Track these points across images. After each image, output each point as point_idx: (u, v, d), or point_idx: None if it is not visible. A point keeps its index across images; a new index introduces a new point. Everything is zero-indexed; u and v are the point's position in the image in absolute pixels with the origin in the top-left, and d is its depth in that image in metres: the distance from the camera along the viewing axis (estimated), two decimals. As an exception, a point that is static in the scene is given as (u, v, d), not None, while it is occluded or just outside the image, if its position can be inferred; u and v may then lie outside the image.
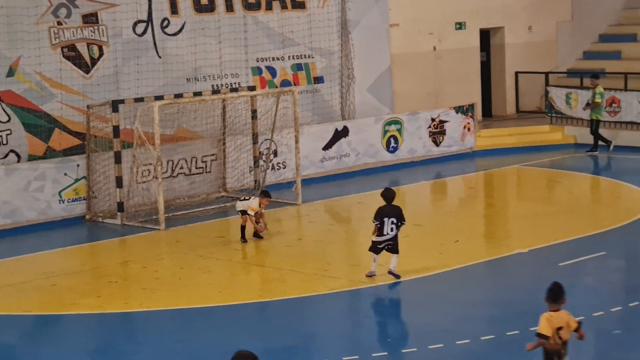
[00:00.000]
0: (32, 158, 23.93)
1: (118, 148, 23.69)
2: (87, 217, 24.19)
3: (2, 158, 23.57)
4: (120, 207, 23.75)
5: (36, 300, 17.52)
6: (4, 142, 23.62)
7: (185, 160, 25.87)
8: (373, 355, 13.94)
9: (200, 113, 26.04)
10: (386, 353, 14.03)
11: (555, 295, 11.23)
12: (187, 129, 26.13)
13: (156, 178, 23.41)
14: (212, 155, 26.41)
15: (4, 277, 19.46)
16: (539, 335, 11.00)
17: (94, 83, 24.85)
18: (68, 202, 24.03)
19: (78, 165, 24.20)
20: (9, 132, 23.66)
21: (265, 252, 20.87)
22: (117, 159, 23.76)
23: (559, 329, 10.95)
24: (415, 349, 14.18)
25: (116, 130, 23.63)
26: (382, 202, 17.65)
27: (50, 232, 23.16)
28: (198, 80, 26.82)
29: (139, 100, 24.00)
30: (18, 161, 23.73)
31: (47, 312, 16.77)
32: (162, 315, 16.56)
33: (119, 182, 23.82)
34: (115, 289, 18.20)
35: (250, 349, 14.28)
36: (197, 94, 24.95)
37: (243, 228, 20.99)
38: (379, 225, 17.40)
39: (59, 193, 23.91)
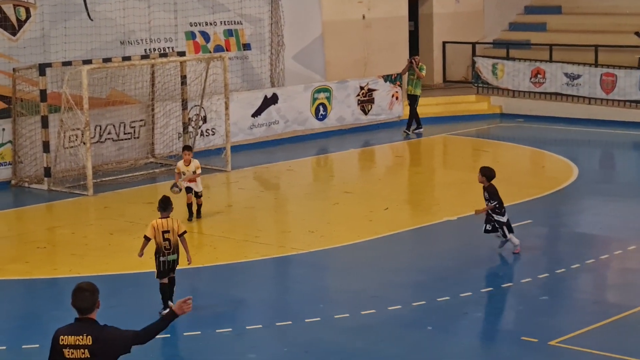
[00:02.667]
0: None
1: (45, 112, 23.38)
2: (13, 182, 23.88)
3: None
4: (47, 172, 23.48)
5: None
6: None
7: (114, 126, 25.64)
8: (306, 321, 14.01)
9: (130, 78, 25.78)
10: (319, 318, 14.08)
11: (165, 205, 14.20)
12: (121, 92, 25.84)
13: (84, 143, 23.17)
14: (141, 120, 26.20)
15: None
16: (144, 237, 14.28)
17: (20, 46, 24.43)
18: (-2, 165, 23.70)
19: (3, 130, 23.84)
20: None
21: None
22: (44, 123, 23.46)
23: (166, 232, 14.07)
24: (348, 315, 14.27)
25: (43, 94, 23.30)
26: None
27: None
28: (132, 44, 26.52)
29: (67, 64, 23.67)
30: None
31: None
32: (91, 281, 16.38)
33: (46, 147, 23.53)
34: (44, 254, 18.02)
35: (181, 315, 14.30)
36: (126, 58, 24.69)
37: (189, 206, 20.03)
38: (497, 205, 17.06)
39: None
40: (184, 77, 26.01)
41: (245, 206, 21.62)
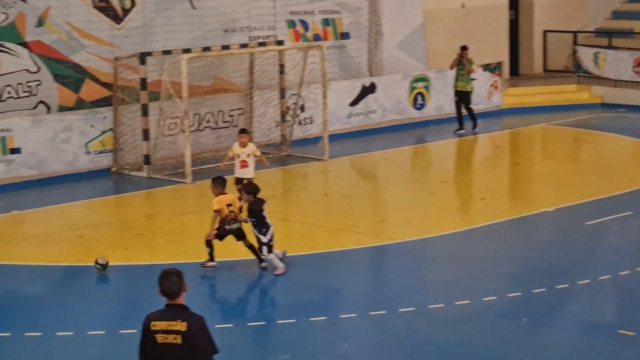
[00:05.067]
0: (62, 109, 23.98)
1: (145, 100, 23.71)
2: (114, 169, 24.27)
3: (32, 109, 23.64)
4: (147, 160, 23.82)
5: (63, 251, 17.61)
6: (34, 92, 23.67)
7: (212, 114, 25.88)
8: (400, 310, 13.98)
9: (229, 66, 26.00)
10: (413, 308, 14.05)
11: (224, 182, 16.16)
12: (226, 80, 26.07)
13: (183, 131, 23.45)
14: (240, 109, 26.41)
15: (31, 228, 19.61)
16: (215, 211, 15.86)
17: (123, 34, 24.80)
18: (95, 154, 24.11)
19: (105, 117, 24.25)
20: (38, 82, 23.70)
21: (292, 207, 20.90)
22: (144, 111, 23.80)
23: (229, 205, 15.99)
24: (442, 305, 14.21)
25: (143, 82, 23.63)
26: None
27: (76, 184, 23.23)
28: (235, 31, 26.71)
29: (167, 52, 23.97)
30: (48, 112, 23.79)
31: (75, 263, 16.85)
32: (188, 268, 16.57)
33: (145, 134, 23.87)
34: (142, 241, 18.30)
35: (276, 303, 14.40)
36: (225, 47, 24.89)
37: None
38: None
39: (86, 145, 23.98)
40: (282, 66, 26.13)
41: (342, 195, 21.64)
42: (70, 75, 24.07)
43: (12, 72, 23.30)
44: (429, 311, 14.02)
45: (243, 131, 21.06)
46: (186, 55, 23.16)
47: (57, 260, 16.90)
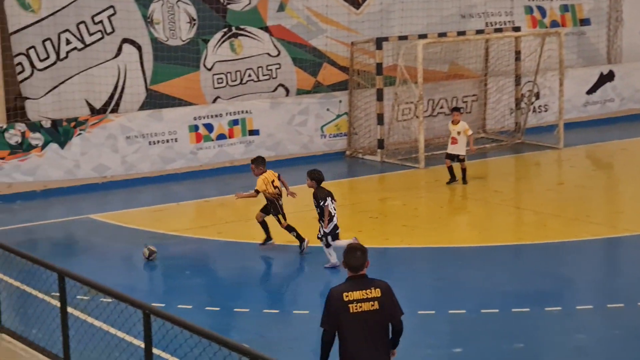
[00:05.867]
0: (300, 92, 24.50)
1: (380, 85, 23.92)
2: (348, 152, 24.62)
3: (272, 91, 24.26)
4: (381, 144, 24.04)
5: (300, 231, 17.92)
6: (274, 76, 24.28)
7: (446, 100, 25.85)
8: (639, 304, 13.61)
9: (464, 52, 25.88)
10: (651, 303, 13.64)
11: (264, 161, 16.90)
12: (461, 66, 26.02)
13: (417, 117, 23.53)
14: (474, 95, 26.27)
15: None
16: (255, 191, 16.61)
17: (360, 20, 25.07)
18: (330, 137, 24.52)
19: (340, 101, 24.62)
20: (278, 66, 24.29)
21: (525, 195, 20.67)
22: (379, 96, 24.01)
23: (272, 182, 16.60)
24: (683, 301, 13.74)
25: (379, 67, 23.85)
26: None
27: (311, 166, 23.39)
28: (472, 17, 26.59)
29: (403, 38, 24.09)
30: (287, 95, 24.36)
31: (310, 244, 17.13)
32: (421, 253, 16.70)
33: (380, 119, 24.09)
34: (376, 224, 18.48)
35: (506, 291, 14.28)
36: (461, 33, 24.80)
37: (450, 169, 20.71)
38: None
39: (321, 128, 24.43)
40: (518, 53, 25.82)
41: (576, 184, 21.21)
42: (308, 59, 24.55)
43: (253, 56, 23.97)
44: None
45: (456, 109, 21.48)
46: (422, 41, 23.23)
47: (294, 240, 17.22)
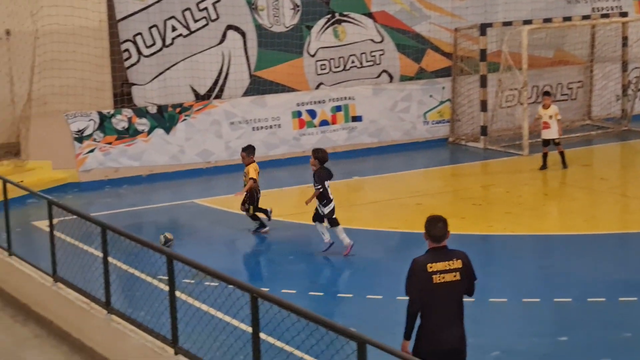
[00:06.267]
0: (403, 78, 24.46)
1: (484, 72, 23.74)
2: (450, 139, 24.51)
3: (375, 78, 24.25)
4: (484, 131, 23.88)
5: (402, 218, 17.96)
6: (378, 62, 24.27)
7: (551, 86, 25.54)
8: None
9: (570, 38, 25.53)
10: None
11: (253, 151, 16.98)
12: (567, 52, 25.69)
13: (521, 103, 23.31)
14: (579, 82, 25.91)
15: (370, 194, 20.15)
16: (252, 179, 16.67)
17: (464, 5, 24.90)
18: (432, 123, 24.44)
19: (443, 88, 24.51)
20: (382, 52, 24.28)
21: (631, 183, 20.35)
22: (483, 82, 23.84)
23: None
24: None
25: (483, 53, 23.68)
26: None
27: (413, 153, 23.64)
28: (578, 2, 26.20)
29: (508, 24, 23.87)
30: (390, 81, 24.33)
31: (412, 230, 17.11)
32: (524, 240, 16.55)
33: (483, 105, 23.92)
34: (479, 211, 18.36)
35: (613, 280, 14.06)
36: (567, 19, 24.47)
37: (544, 156, 20.48)
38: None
39: (424, 115, 24.35)
40: (625, 39, 25.41)
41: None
42: (412, 45, 24.48)
43: (356, 42, 23.98)
44: None
45: (546, 93, 21.47)
46: (527, 27, 22.99)
47: (395, 226, 17.25)
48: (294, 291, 13.76)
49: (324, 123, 23.35)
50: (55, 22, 21.38)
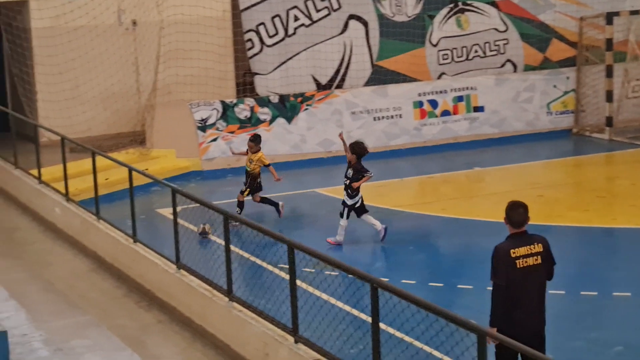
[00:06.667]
0: (527, 68, 24.16)
1: (610, 61, 23.30)
2: (574, 130, 24.12)
3: (499, 67, 24.02)
4: (609, 122, 23.44)
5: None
6: (502, 51, 24.02)
7: (679, 77, 24.95)
8: None
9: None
10: None
11: (260, 140, 17.44)
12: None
13: (648, 94, 22.85)
14: None
15: (491, 185, 19.97)
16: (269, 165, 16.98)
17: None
18: (556, 114, 24.09)
19: (567, 78, 24.14)
20: (505, 41, 24.02)
21: None
22: (609, 72, 23.39)
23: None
24: None
25: (609, 43, 23.24)
26: None
27: (536, 144, 23.34)
28: None
29: (635, 12, 23.38)
30: (514, 71, 24.07)
31: (534, 222, 16.84)
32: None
33: (609, 96, 23.48)
34: (603, 204, 18.03)
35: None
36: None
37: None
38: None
39: (547, 105, 24.02)
40: None
41: None
42: (536, 34, 24.17)
43: (479, 32, 23.78)
44: None
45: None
46: (655, 16, 22.50)
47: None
48: (413, 281, 13.72)
49: (445, 113, 23.22)
50: (180, 13, 21.71)
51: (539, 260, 8.94)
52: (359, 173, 15.44)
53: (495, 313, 8.89)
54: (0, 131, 19.49)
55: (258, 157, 17.19)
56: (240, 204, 17.04)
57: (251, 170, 17.16)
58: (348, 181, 15.53)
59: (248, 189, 17.19)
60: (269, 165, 17.18)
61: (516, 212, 9.07)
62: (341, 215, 15.62)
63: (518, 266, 8.85)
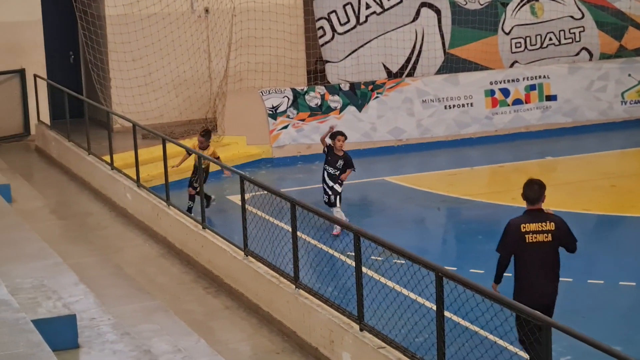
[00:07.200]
0: (603, 56, 23.88)
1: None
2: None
3: (574, 55, 23.77)
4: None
5: (596, 200, 17.57)
6: (577, 39, 23.76)
7: None
8: None
9: None
10: None
11: (208, 136, 16.96)
12: None
13: None
14: None
15: (563, 175, 19.78)
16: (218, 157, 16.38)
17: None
18: (630, 103, 23.76)
19: (643, 69, 23.83)
20: (582, 29, 23.75)
21: None
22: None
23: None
24: None
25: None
26: None
27: (609, 133, 23.06)
28: None
29: None
30: (590, 59, 23.81)
31: (607, 212, 16.76)
32: None
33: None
34: None
35: None
36: None
37: None
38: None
39: (622, 94, 23.70)
40: None
41: None
42: (612, 22, 23.87)
43: (554, 19, 23.54)
44: None
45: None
46: None
47: (588, 208, 16.88)
48: (482, 271, 13.64)
49: (517, 102, 23.02)
50: (251, 0, 21.80)
51: (550, 238, 9.42)
52: (349, 165, 15.70)
53: (497, 274, 9.80)
54: (75, 117, 19.74)
55: (210, 153, 16.59)
56: (192, 197, 16.62)
57: (204, 166, 16.30)
58: (338, 172, 15.67)
59: (197, 183, 16.28)
60: (218, 157, 16.63)
61: (531, 189, 9.55)
62: (334, 205, 15.57)
63: (527, 241, 9.43)
